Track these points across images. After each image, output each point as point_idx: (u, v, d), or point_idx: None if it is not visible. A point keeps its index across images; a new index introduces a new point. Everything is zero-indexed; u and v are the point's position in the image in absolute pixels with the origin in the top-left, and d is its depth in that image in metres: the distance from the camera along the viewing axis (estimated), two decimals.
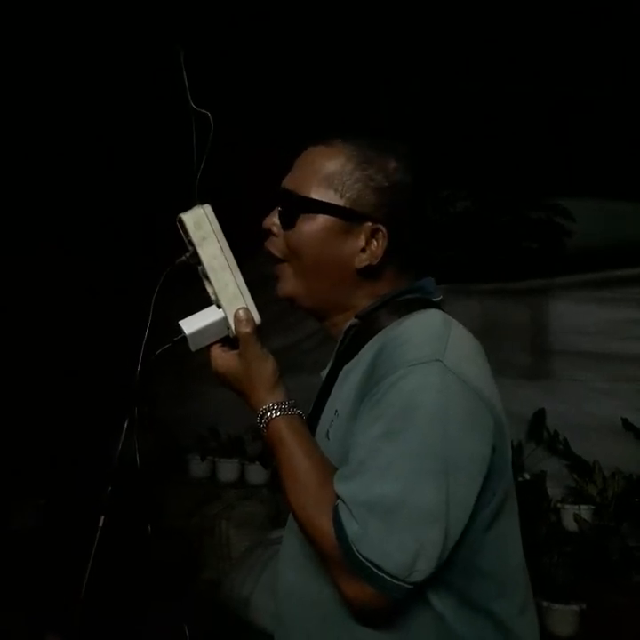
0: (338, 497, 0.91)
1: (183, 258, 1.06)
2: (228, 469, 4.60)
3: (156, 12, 2.56)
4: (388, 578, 0.85)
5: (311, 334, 4.45)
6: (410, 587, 0.87)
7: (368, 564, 0.85)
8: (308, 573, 1.01)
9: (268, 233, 1.11)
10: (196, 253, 1.05)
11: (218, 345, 1.07)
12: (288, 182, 1.11)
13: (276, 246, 1.10)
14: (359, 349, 1.05)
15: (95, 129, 3.47)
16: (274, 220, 1.10)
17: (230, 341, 1.07)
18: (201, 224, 1.04)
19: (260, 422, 1.02)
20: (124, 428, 1.06)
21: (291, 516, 1.11)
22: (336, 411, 1.03)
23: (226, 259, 1.05)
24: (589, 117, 3.51)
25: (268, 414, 1.01)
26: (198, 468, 4.71)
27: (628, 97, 3.34)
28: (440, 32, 3.02)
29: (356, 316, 1.07)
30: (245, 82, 3.23)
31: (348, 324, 1.07)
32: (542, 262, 4.02)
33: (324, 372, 1.16)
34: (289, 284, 1.09)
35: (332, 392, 1.09)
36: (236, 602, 3.30)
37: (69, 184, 3.90)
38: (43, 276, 4.08)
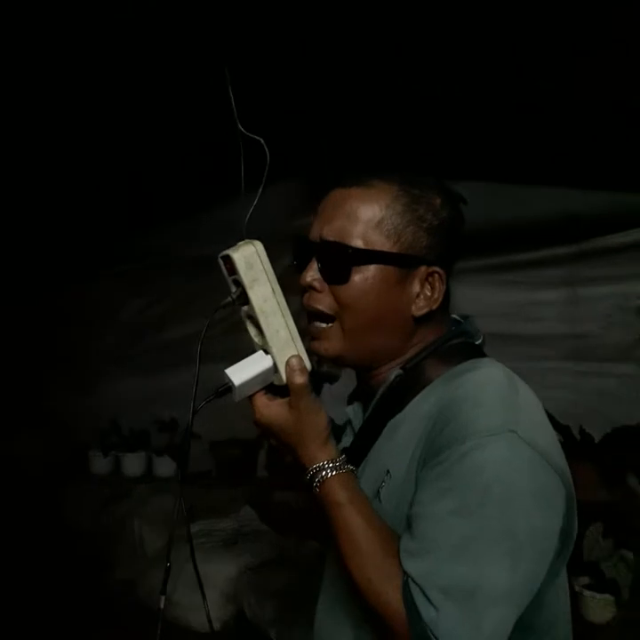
0: (405, 572, 0.86)
1: (229, 299, 0.98)
2: (133, 464, 4.46)
3: (204, 35, 2.43)
4: None
5: (218, 322, 4.35)
6: None
7: None
8: None
9: (309, 289, 1.01)
10: (243, 294, 0.97)
11: (262, 393, 0.98)
12: (327, 232, 0.99)
13: (323, 303, 1.00)
14: (405, 402, 0.99)
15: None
16: (314, 276, 1.00)
17: (274, 388, 0.98)
18: (252, 264, 0.96)
19: (313, 481, 0.94)
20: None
21: (327, 581, 1.08)
22: (388, 471, 0.96)
23: (277, 302, 0.97)
24: (476, 98, 3.61)
25: (323, 473, 0.93)
26: (101, 464, 4.54)
27: (509, 78, 3.46)
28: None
29: (402, 368, 1.00)
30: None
31: (394, 374, 1.00)
32: None
33: (351, 412, 1.09)
34: (339, 343, 0.99)
35: (377, 446, 1.01)
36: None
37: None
38: None
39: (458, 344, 1.01)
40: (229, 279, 0.98)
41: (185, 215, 4.30)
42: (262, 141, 0.95)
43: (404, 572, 0.86)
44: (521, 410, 0.90)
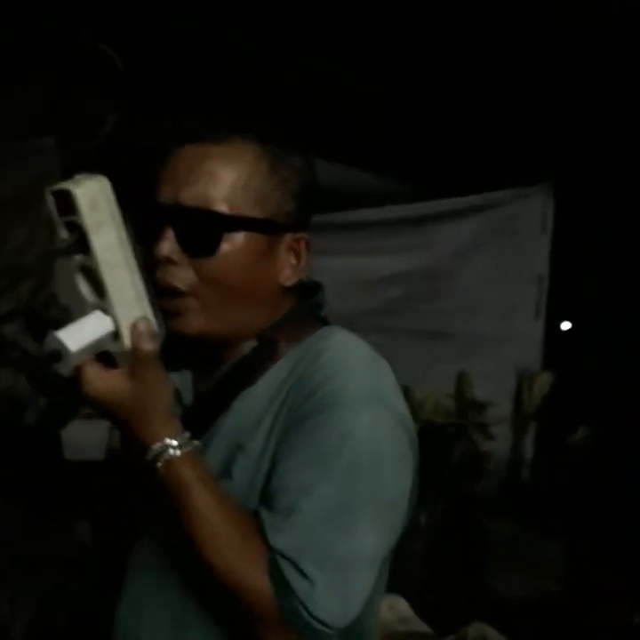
0: (271, 549, 0.81)
1: (62, 244, 0.78)
2: None
3: None
4: (330, 630, 0.81)
5: None
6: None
7: (315, 623, 0.80)
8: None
9: (164, 262, 0.87)
10: (82, 240, 0.77)
11: (93, 361, 0.80)
12: (185, 197, 0.87)
13: (182, 279, 0.87)
14: (258, 374, 0.92)
15: None
16: (173, 247, 0.86)
17: (103, 357, 0.81)
18: (97, 204, 0.76)
19: (157, 461, 0.82)
20: None
21: (140, 577, 0.93)
22: (240, 445, 0.89)
23: (124, 253, 0.79)
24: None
25: (170, 452, 0.81)
26: None
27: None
28: None
29: (258, 339, 0.92)
30: None
31: (250, 346, 0.93)
32: None
33: (178, 382, 0.96)
34: (198, 320, 0.89)
35: (224, 421, 0.92)
36: None
37: None
38: None
39: (308, 313, 0.97)
40: (60, 220, 0.78)
41: None
42: (116, 57, 0.85)
43: (271, 549, 0.81)
44: (382, 374, 0.90)
